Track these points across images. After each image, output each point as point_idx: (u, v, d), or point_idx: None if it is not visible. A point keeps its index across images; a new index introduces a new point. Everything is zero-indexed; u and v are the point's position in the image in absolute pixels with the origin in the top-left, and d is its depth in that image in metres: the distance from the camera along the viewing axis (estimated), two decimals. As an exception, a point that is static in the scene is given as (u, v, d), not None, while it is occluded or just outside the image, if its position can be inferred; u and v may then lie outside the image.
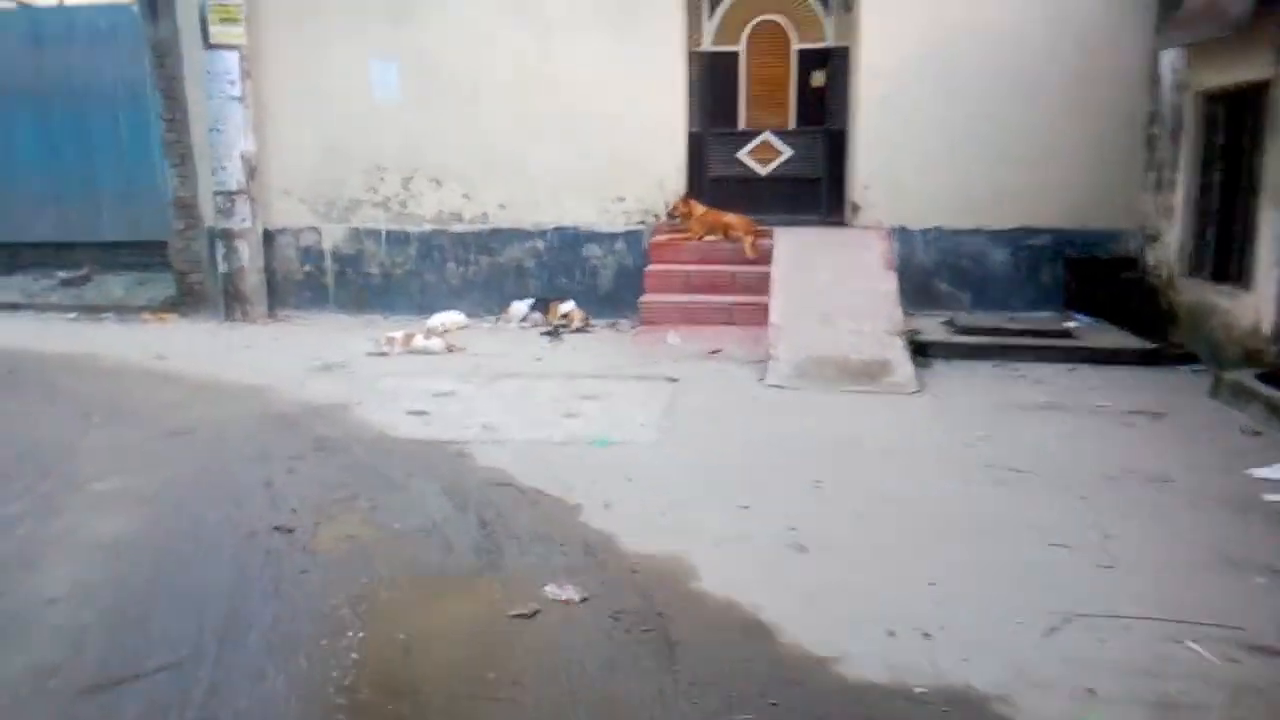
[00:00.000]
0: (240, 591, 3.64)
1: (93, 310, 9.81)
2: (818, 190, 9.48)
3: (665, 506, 4.49)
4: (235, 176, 9.17)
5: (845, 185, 9.13)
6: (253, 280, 9.39)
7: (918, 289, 8.64)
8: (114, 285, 10.61)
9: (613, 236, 9.25)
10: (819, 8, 9.29)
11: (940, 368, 7.20)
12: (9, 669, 3.10)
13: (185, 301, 9.81)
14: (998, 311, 8.56)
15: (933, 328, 8.05)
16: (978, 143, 8.57)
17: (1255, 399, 5.88)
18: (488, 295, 9.42)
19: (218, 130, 9.10)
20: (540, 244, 9.36)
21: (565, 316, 8.80)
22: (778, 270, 8.06)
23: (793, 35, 9.35)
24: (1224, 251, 7.28)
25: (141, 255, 10.91)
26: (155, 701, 2.92)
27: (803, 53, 9.36)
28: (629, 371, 7.12)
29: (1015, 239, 8.75)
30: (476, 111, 9.19)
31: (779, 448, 5.39)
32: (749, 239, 8.64)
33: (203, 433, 5.67)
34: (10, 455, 5.24)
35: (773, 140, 9.49)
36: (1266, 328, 6.43)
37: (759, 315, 7.69)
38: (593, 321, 8.87)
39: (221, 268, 9.36)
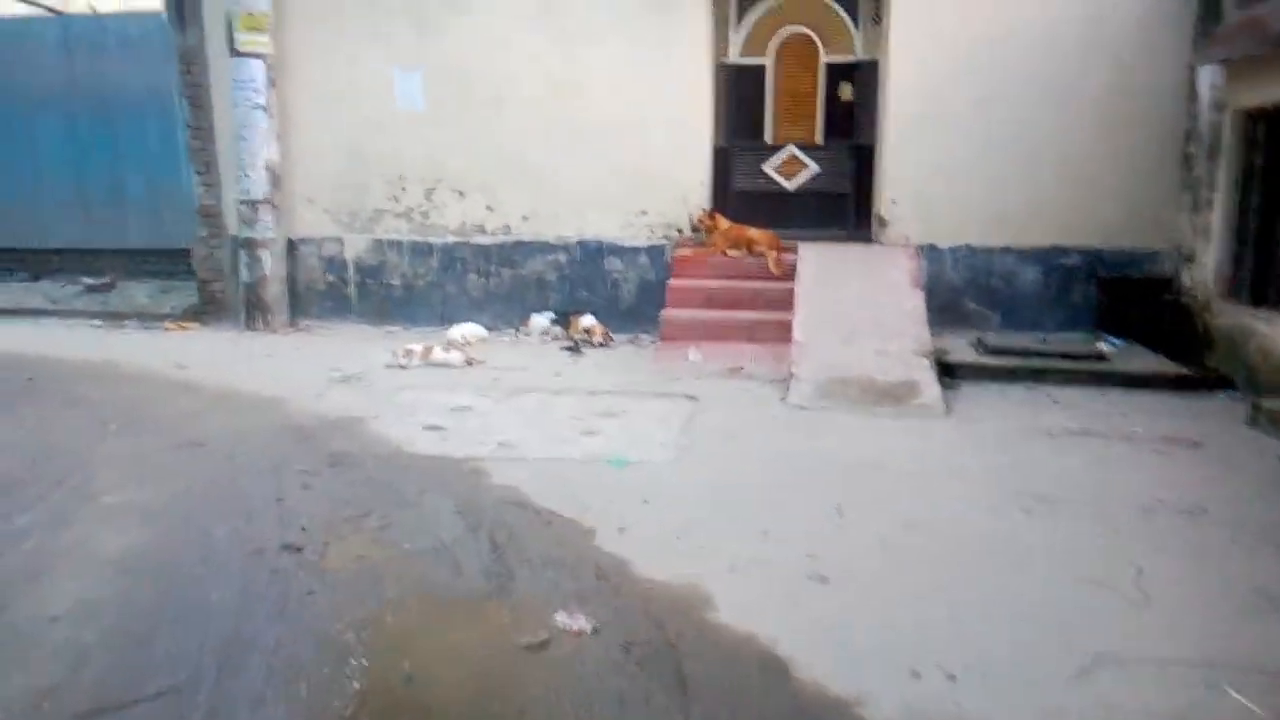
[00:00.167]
0: (245, 611, 3.56)
1: (116, 317, 9.82)
2: (844, 205, 9.35)
3: (681, 530, 4.37)
4: (259, 185, 9.16)
5: (872, 201, 9.00)
6: (275, 290, 9.37)
7: (945, 308, 8.49)
8: (138, 292, 10.64)
9: (635, 250, 9.17)
10: (848, 20, 9.18)
11: (968, 390, 7.04)
12: (4, 689, 3.03)
13: (208, 310, 9.82)
14: (1028, 332, 8.40)
15: (960, 348, 7.89)
16: (1009, 159, 8.42)
17: (1295, 428, 5.70)
18: (509, 307, 9.36)
19: (242, 138, 9.10)
20: (562, 257, 9.29)
21: (586, 331, 8.70)
22: (802, 287, 7.94)
23: (821, 48, 9.25)
24: (1263, 274, 7.09)
25: (167, 263, 10.95)
26: (151, 729, 2.84)
27: (831, 66, 9.27)
28: (649, 388, 7.02)
29: (1047, 258, 8.58)
30: (500, 122, 9.15)
31: (800, 470, 5.26)
32: (773, 254, 8.52)
33: (218, 445, 5.61)
34: (24, 464, 5.21)
35: (799, 154, 9.39)
36: (1307, 354, 6.24)
37: (782, 332, 7.56)
38: (613, 336, 8.78)
39: (244, 276, 9.35)
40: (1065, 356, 7.52)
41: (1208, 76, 7.78)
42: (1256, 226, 7.18)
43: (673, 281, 8.66)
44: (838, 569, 3.97)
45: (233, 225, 9.51)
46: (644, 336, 8.84)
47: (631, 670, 3.19)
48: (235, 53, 8.95)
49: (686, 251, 8.87)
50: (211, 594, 3.71)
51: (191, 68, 9.52)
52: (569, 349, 8.48)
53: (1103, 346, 7.88)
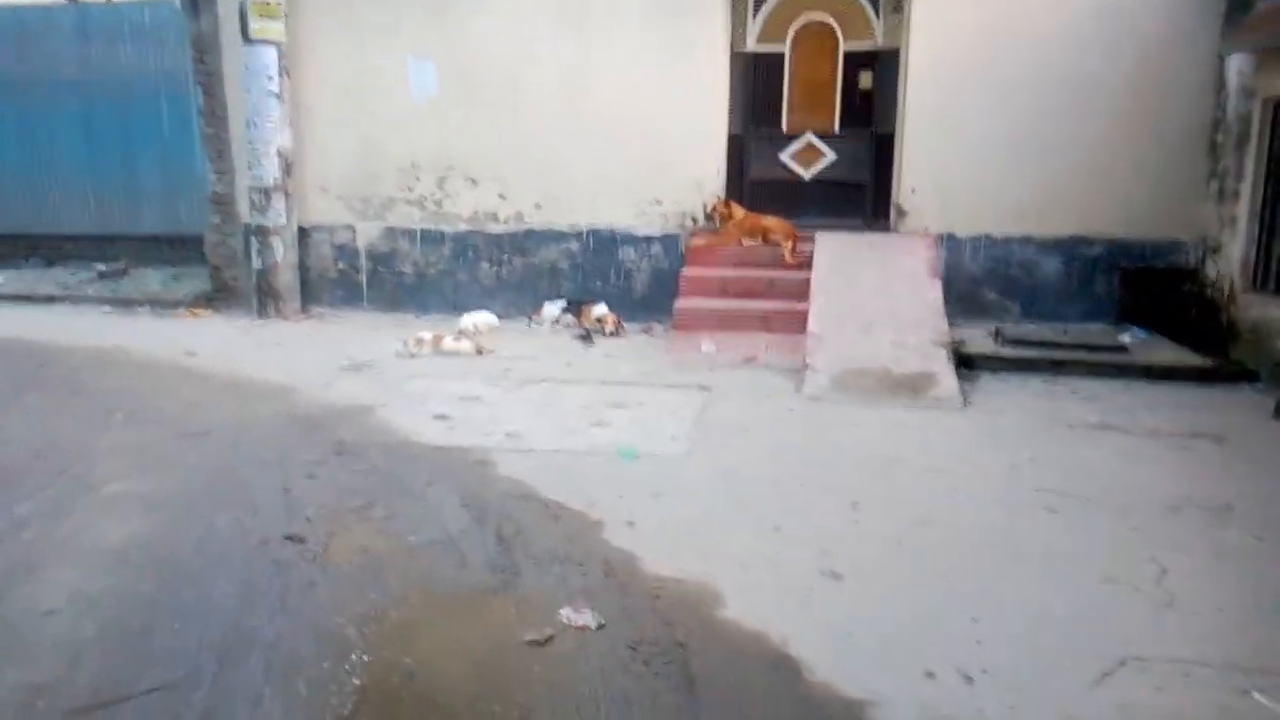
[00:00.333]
0: (245, 605, 3.50)
1: (128, 304, 9.79)
2: (862, 195, 9.21)
3: (692, 525, 4.28)
4: (272, 173, 9.09)
5: (891, 190, 8.83)
6: (286, 277, 9.31)
7: (964, 298, 8.35)
8: (151, 279, 10.61)
9: (649, 239, 9.05)
10: (868, 7, 9.02)
11: (986, 382, 6.91)
12: (-2, 685, 2.98)
13: (219, 297, 9.77)
14: (1048, 323, 8.24)
15: (979, 339, 7.75)
16: (1031, 147, 8.25)
17: (1324, 423, 5.55)
18: (521, 296, 9.27)
19: (255, 126, 9.03)
20: (575, 245, 9.19)
21: (598, 320, 8.60)
22: (818, 277, 7.82)
23: (840, 35, 9.10)
24: (1290, 266, 6.93)
25: (180, 249, 10.93)
26: (144, 726, 2.78)
27: (850, 54, 9.10)
28: (661, 379, 6.92)
29: (1068, 248, 8.42)
30: (514, 110, 9.04)
31: (814, 464, 5.16)
32: (788, 244, 8.40)
33: (224, 434, 5.55)
34: (28, 454, 5.16)
35: (816, 143, 9.24)
36: (1336, 348, 6.09)
37: (797, 323, 7.45)
38: (626, 325, 8.67)
39: (256, 264, 9.30)
40: (1086, 348, 7.37)
41: (1236, 65, 7.61)
42: (1285, 217, 7.03)
43: (687, 271, 8.55)
44: (851, 566, 3.87)
45: (245, 212, 9.45)
46: (657, 326, 8.73)
47: (638, 669, 3.10)
48: (249, 40, 8.86)
49: (701, 240, 8.75)
50: (212, 586, 3.65)
51: (205, 55, 9.45)
52: (581, 338, 8.39)
53: (1124, 338, 7.73)
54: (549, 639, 3.27)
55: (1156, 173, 8.17)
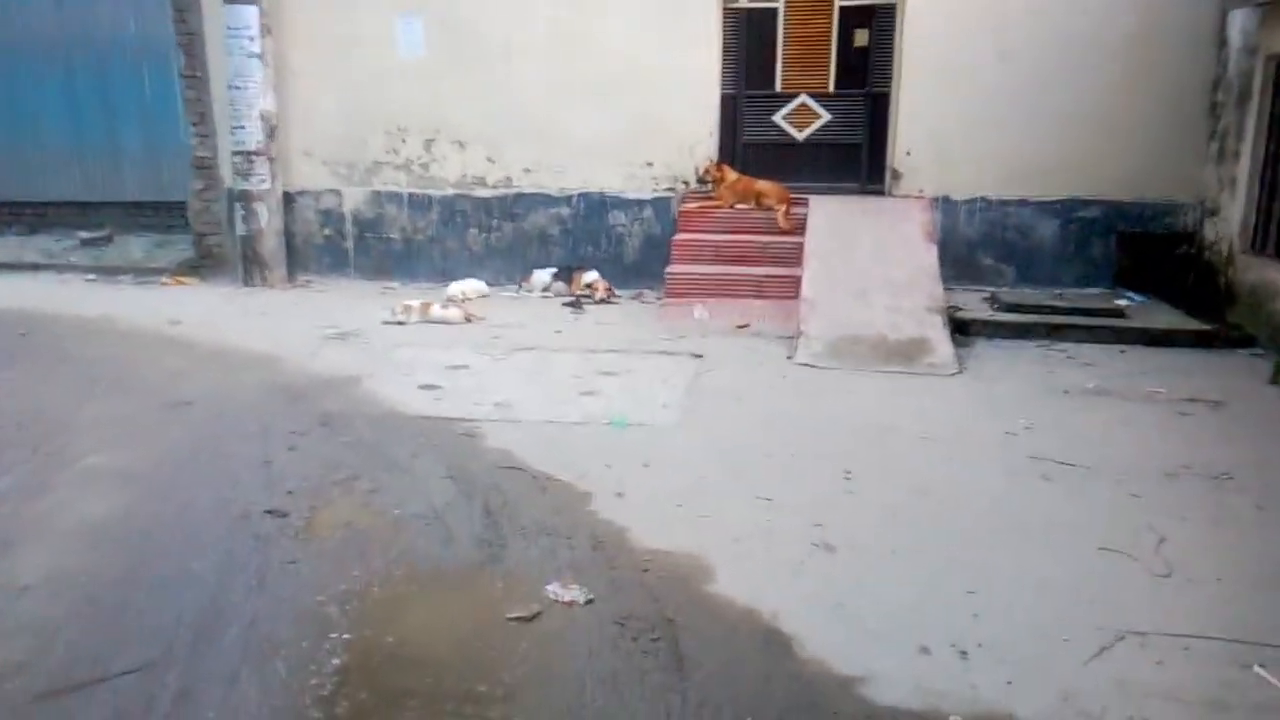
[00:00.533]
0: (224, 582, 3.41)
1: (112, 272, 9.63)
2: (857, 157, 9.04)
3: (682, 496, 4.20)
4: (254, 136, 8.91)
5: (886, 152, 8.68)
6: (271, 243, 9.15)
7: (959, 262, 8.24)
8: (134, 246, 10.42)
9: (640, 203, 8.90)
10: (863, -38, 8.81)
11: (982, 347, 6.83)
12: (-33, 666, 2.90)
13: (204, 264, 9.62)
14: (1044, 287, 8.15)
15: (975, 304, 7.66)
16: (1028, 108, 8.10)
17: (1324, 388, 5.48)
18: (510, 262, 9.13)
19: (236, 88, 8.83)
20: (565, 210, 9.03)
21: (589, 287, 8.48)
22: (812, 241, 7.69)
23: (835, -11, 8.87)
24: (1291, 228, 6.82)
25: (164, 216, 10.72)
26: (117, 709, 2.69)
27: (845, 10, 8.87)
28: (652, 346, 6.82)
29: (1065, 210, 8.30)
30: (501, 71, 8.83)
31: (807, 432, 5.07)
32: (782, 208, 8.26)
33: (206, 404, 5.45)
34: (8, 425, 5.05)
35: (810, 103, 9.06)
36: (1337, 311, 6.00)
37: (791, 289, 7.35)
38: (617, 292, 8.56)
39: (240, 230, 9.13)
40: (1083, 313, 7.28)
41: (1239, 21, 7.45)
42: (1285, 177, 6.91)
43: (678, 236, 8.42)
44: (845, 538, 3.80)
45: (228, 177, 9.27)
46: (648, 293, 8.61)
47: (626, 646, 3.03)
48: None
49: (693, 205, 8.61)
50: (190, 562, 3.56)
51: (185, 15, 9.23)
52: (571, 305, 8.27)
53: (1121, 302, 7.64)
54: (535, 615, 3.19)
55: (1155, 134, 8.03)
